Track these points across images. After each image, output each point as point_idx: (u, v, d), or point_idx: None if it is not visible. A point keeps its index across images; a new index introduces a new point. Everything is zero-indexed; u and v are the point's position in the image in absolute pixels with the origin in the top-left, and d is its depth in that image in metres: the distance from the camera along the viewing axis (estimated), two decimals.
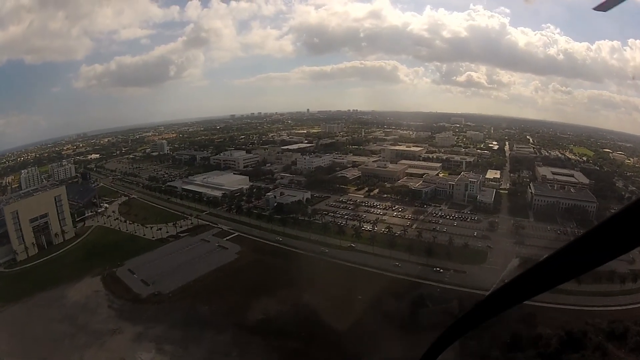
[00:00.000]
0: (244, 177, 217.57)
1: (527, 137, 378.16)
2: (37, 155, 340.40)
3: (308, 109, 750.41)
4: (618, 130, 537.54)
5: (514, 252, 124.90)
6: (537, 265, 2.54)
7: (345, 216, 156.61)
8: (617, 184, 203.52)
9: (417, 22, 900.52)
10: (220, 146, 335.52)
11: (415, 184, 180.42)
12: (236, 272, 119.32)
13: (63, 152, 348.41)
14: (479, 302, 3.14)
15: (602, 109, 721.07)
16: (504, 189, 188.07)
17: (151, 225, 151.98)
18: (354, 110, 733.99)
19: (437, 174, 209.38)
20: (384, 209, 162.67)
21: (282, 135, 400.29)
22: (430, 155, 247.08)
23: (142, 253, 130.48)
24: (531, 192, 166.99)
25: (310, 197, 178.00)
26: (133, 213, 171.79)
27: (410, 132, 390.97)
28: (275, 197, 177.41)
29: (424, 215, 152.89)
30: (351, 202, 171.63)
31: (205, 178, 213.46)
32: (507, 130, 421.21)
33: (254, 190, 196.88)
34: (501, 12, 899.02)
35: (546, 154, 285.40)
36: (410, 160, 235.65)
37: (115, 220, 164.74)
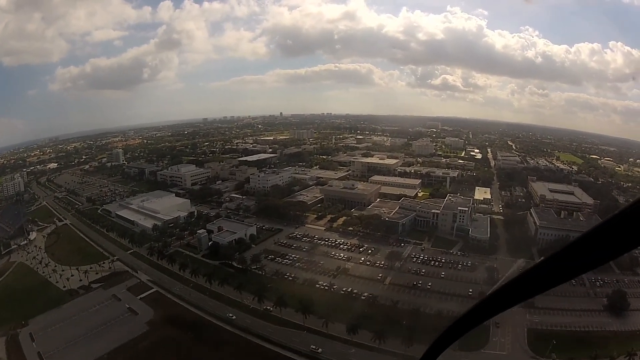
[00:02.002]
0: (184, 200, 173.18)
1: (509, 142, 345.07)
2: (5, 163, 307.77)
3: (281, 113, 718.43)
4: (597, 132, 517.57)
5: (525, 323, 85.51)
6: (537, 265, 2.47)
7: (297, 263, 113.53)
8: (619, 200, 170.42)
9: (392, 24, 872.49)
10: (177, 156, 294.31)
11: (390, 212, 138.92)
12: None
13: (28, 160, 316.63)
14: (479, 302, 3.07)
15: (580, 111, 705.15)
16: (498, 214, 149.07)
17: (67, 268, 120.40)
18: (328, 113, 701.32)
19: (416, 194, 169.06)
20: (348, 249, 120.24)
21: (247, 143, 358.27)
22: (407, 169, 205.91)
23: (49, 309, 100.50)
24: (534, 222, 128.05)
25: (256, 232, 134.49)
26: (57, 247, 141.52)
27: (385, 139, 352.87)
28: (212, 232, 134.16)
29: (400, 261, 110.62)
30: (308, 239, 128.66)
31: (143, 201, 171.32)
32: (486, 135, 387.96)
33: (193, 219, 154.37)
34: (479, 14, 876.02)
35: (533, 162, 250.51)
36: (383, 176, 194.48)
37: (36, 257, 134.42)
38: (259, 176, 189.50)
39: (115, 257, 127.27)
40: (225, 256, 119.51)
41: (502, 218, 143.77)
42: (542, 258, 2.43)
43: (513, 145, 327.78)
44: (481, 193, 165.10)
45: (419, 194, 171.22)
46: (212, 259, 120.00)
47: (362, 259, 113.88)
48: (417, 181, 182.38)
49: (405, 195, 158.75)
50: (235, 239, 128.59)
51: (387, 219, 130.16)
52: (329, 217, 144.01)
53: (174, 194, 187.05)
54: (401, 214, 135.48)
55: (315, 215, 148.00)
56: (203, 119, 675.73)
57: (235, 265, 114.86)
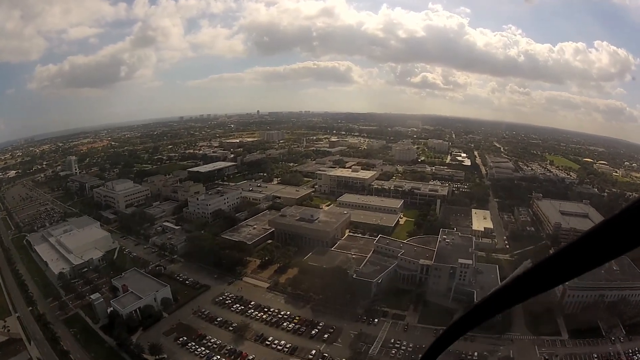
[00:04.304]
0: (105, 234, 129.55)
1: (495, 144, 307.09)
2: None
3: (258, 111, 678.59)
4: (579, 130, 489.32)
5: None
6: (537, 265, 2.39)
7: (216, 356, 69.90)
8: None
9: (372, 22, 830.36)
10: (131, 164, 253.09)
11: (361, 258, 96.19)
12: None
13: None
14: (479, 302, 3.00)
15: (561, 109, 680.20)
16: (504, 253, 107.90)
17: None
18: (305, 111, 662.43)
19: (397, 222, 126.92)
20: (295, 330, 76.41)
21: (212, 146, 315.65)
22: (386, 185, 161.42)
23: None
24: None
25: (171, 295, 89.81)
26: None
27: (362, 140, 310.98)
28: (117, 290, 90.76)
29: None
30: (240, 307, 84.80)
31: (65, 231, 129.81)
32: (470, 135, 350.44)
33: (104, 264, 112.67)
34: (461, 12, 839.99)
35: (528, 169, 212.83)
36: (356, 194, 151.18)
37: None
38: (197, 199, 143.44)
39: (17, 315, 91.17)
40: (120, 335, 76.88)
41: (510, 260, 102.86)
42: (542, 258, 2.29)
43: (501, 147, 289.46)
44: (480, 220, 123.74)
45: (401, 221, 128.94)
46: (110, 334, 79.42)
47: (314, 351, 70.57)
48: (399, 203, 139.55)
49: (382, 227, 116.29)
50: (139, 307, 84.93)
51: (354, 275, 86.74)
52: (276, 265, 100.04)
53: (100, 223, 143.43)
54: (376, 263, 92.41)
55: (260, 261, 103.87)
56: (179, 118, 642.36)
57: (133, 349, 72.63)
